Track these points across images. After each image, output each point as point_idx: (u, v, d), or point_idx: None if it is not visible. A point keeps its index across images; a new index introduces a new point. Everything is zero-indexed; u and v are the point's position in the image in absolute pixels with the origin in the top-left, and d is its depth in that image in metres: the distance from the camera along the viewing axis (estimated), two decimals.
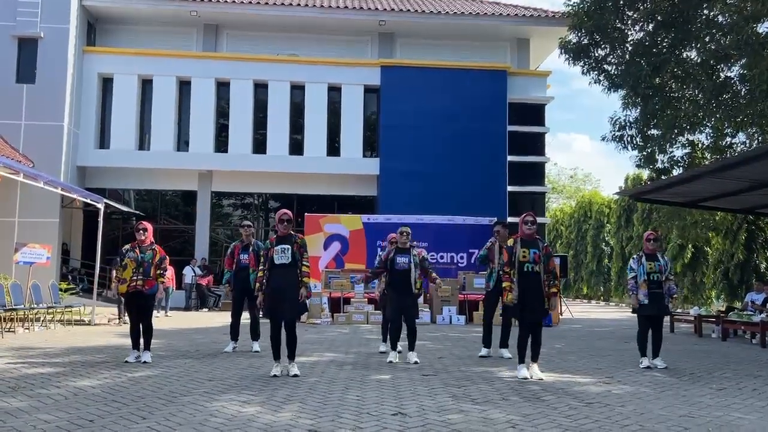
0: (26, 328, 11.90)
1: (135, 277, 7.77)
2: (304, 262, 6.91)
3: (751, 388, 6.55)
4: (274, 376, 6.71)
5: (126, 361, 7.71)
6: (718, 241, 20.85)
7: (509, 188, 21.39)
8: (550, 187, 37.72)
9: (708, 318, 13.36)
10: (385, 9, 21.42)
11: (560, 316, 16.45)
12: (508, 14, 21.99)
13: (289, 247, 6.83)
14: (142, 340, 7.95)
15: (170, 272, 16.66)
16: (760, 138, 14.77)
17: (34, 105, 19.16)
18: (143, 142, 21.26)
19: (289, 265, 6.80)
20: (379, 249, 9.33)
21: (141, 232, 7.96)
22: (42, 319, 12.71)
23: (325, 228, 16.98)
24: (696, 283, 22.19)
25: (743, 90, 14.27)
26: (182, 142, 21.33)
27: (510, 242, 7.12)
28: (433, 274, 8.37)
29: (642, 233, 21.58)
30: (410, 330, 8.10)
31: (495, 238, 8.82)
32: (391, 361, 7.91)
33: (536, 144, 22.35)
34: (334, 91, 21.61)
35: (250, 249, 9.04)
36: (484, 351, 8.72)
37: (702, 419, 5.05)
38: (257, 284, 6.94)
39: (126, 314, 13.39)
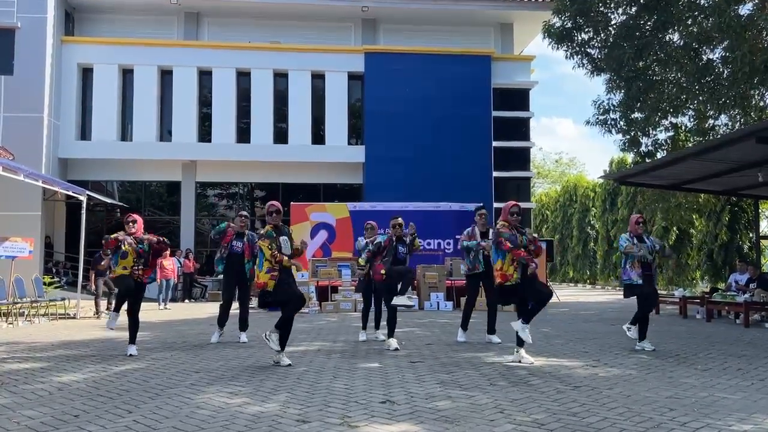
0: (10, 323, 11.77)
1: (136, 267, 7.65)
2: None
3: (736, 368, 6.61)
4: (289, 365, 6.72)
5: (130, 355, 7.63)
6: (702, 222, 21.04)
7: (495, 174, 21.45)
8: (536, 172, 37.84)
9: (692, 299, 13.49)
10: None
11: None
12: None
13: (287, 238, 6.92)
14: (128, 334, 7.86)
15: (171, 263, 16.54)
16: (742, 120, 14.85)
17: (13, 97, 18.86)
18: (125, 133, 21.03)
19: (290, 256, 6.87)
20: (361, 239, 9.25)
21: (130, 224, 7.82)
22: (26, 313, 12.57)
23: (312, 217, 16.92)
24: (681, 264, 22.40)
25: (725, 72, 14.32)
26: (165, 132, 21.13)
27: (507, 226, 7.05)
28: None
29: (627, 216, 21.72)
30: (392, 317, 8.15)
31: (480, 221, 8.80)
32: (377, 338, 8.13)
33: (521, 129, 22.41)
34: (318, 79, 21.46)
35: (245, 238, 8.99)
36: (463, 336, 8.73)
37: (687, 400, 5.09)
38: (271, 281, 6.71)
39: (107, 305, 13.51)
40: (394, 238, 8.26)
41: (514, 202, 7.24)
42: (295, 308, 6.85)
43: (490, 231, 8.63)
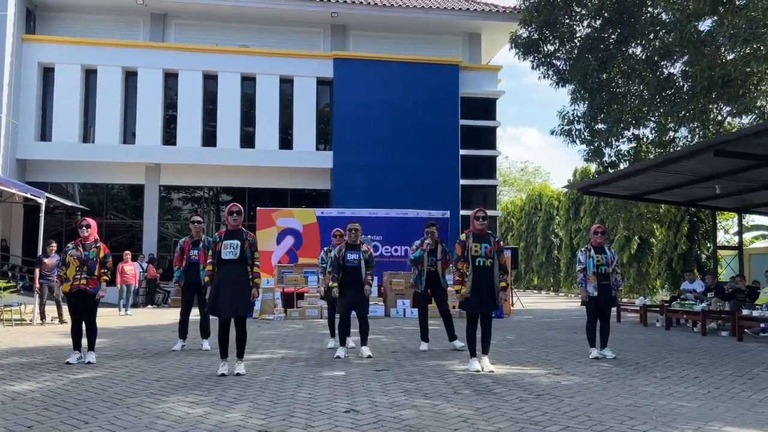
0: None
1: (78, 276, 7.50)
2: (256, 262, 6.81)
3: (693, 376, 6.77)
4: (222, 375, 6.58)
5: (67, 363, 7.44)
6: (662, 232, 21.52)
7: (461, 182, 21.61)
8: (502, 180, 38.25)
9: (652, 307, 13.77)
10: (338, 1, 21.22)
11: (511, 308, 16.70)
12: (460, 8, 22.13)
13: (238, 242, 6.69)
14: (85, 341, 7.67)
15: (132, 268, 16.13)
16: (701, 133, 15.26)
17: None
18: (87, 135, 20.57)
19: (237, 261, 6.67)
20: (324, 252, 9.30)
21: (84, 228, 7.70)
22: None
23: (278, 222, 16.78)
24: (642, 273, 22.87)
25: (685, 86, 14.72)
26: (129, 135, 20.74)
27: (462, 236, 7.18)
28: (368, 277, 8.16)
29: (589, 225, 22.07)
30: (362, 325, 8.10)
31: (428, 238, 8.77)
32: (338, 356, 7.87)
33: (488, 138, 22.62)
34: (286, 83, 21.34)
35: (200, 245, 8.85)
36: (424, 346, 8.76)
37: (647, 408, 5.19)
38: (207, 278, 6.79)
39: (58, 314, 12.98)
40: (343, 248, 8.21)
41: (479, 208, 7.32)
42: (221, 327, 6.74)
43: (439, 246, 8.73)
